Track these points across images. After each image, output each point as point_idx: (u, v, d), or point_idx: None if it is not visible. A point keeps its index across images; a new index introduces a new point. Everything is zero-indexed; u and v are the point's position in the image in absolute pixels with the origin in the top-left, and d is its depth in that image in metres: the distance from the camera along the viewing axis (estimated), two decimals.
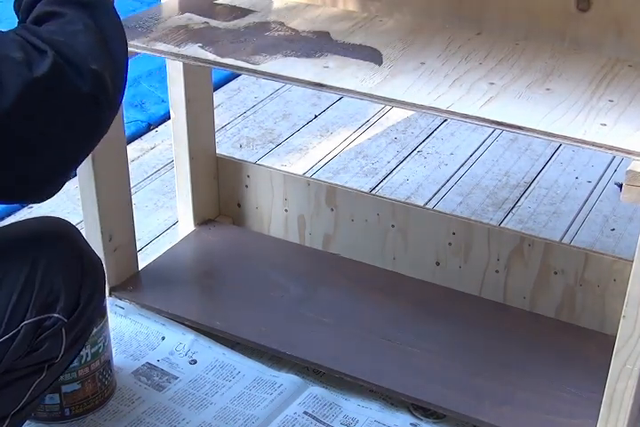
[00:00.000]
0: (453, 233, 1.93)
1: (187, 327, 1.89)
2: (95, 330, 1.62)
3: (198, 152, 2.06)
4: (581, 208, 2.42)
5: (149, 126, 2.80)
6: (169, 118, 2.07)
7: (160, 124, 2.81)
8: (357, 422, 1.71)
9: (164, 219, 2.36)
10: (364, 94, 1.45)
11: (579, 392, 1.69)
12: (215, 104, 2.21)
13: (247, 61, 1.54)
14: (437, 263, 1.98)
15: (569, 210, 2.41)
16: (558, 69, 1.53)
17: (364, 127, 2.80)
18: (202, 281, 2.01)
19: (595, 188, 2.51)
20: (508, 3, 1.64)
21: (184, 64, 1.88)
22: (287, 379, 1.78)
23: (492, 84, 1.48)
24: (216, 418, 1.70)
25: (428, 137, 2.75)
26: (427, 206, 2.35)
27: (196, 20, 1.69)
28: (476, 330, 1.84)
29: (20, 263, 1.32)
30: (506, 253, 1.89)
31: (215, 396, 1.75)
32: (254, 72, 1.53)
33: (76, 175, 1.83)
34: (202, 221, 2.14)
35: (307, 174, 2.51)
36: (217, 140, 2.14)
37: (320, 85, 1.48)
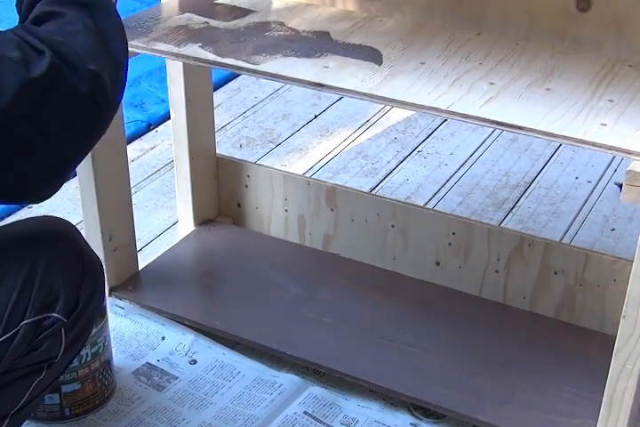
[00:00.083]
0: (453, 233, 1.93)
1: (187, 327, 1.89)
2: (95, 330, 1.63)
3: (198, 152, 2.06)
4: (581, 208, 2.42)
5: (149, 126, 2.80)
6: (169, 118, 2.07)
7: (160, 124, 2.81)
8: (357, 422, 1.71)
9: (164, 219, 2.36)
10: (364, 94, 1.45)
11: (579, 392, 1.69)
12: (215, 104, 2.21)
13: (247, 61, 1.54)
14: (437, 263, 1.98)
15: (569, 210, 2.41)
16: (558, 69, 1.53)
17: (364, 127, 2.80)
18: (202, 281, 2.01)
19: (595, 188, 2.51)
20: (507, 3, 1.64)
21: (184, 64, 1.88)
22: (287, 379, 1.78)
23: (492, 84, 1.48)
24: (216, 418, 1.70)
25: (427, 137, 2.75)
26: (427, 206, 2.35)
27: (196, 20, 1.69)
28: (475, 330, 1.84)
29: (20, 263, 1.32)
30: (506, 253, 1.89)
31: (215, 396, 1.75)
32: (254, 72, 1.53)
33: (75, 175, 1.83)
34: (202, 221, 2.14)
35: (307, 174, 2.51)
36: (217, 141, 2.14)
37: (320, 85, 1.48)
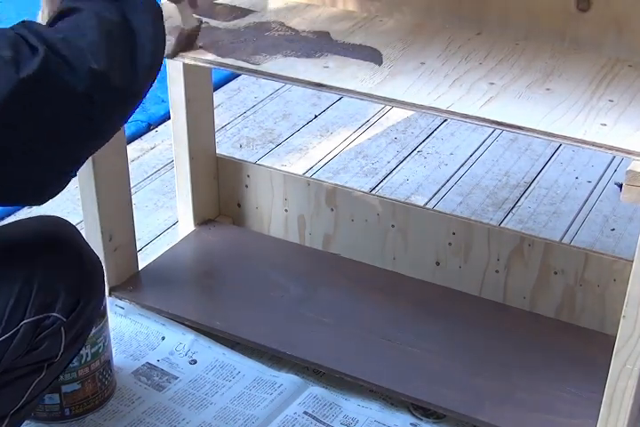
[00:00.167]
0: (453, 233, 1.93)
1: (187, 327, 1.89)
2: (95, 330, 1.62)
3: (198, 152, 2.06)
4: (581, 208, 2.42)
5: (149, 126, 2.80)
6: (169, 118, 2.07)
7: (160, 124, 2.81)
8: (357, 422, 1.71)
9: (164, 219, 2.36)
10: (364, 94, 1.45)
11: (579, 392, 1.69)
12: (215, 104, 2.21)
13: (247, 61, 1.54)
14: (437, 263, 1.98)
15: (569, 210, 2.41)
16: (558, 69, 1.53)
17: (364, 127, 2.80)
18: (202, 281, 2.01)
19: (595, 188, 2.51)
20: (507, 3, 1.64)
21: (184, 64, 1.88)
22: (287, 379, 1.78)
23: (492, 84, 1.48)
24: (216, 418, 1.70)
25: (428, 137, 2.75)
26: (427, 206, 2.35)
27: None
28: (475, 330, 1.84)
29: (20, 263, 1.32)
30: (506, 253, 1.89)
31: (215, 396, 1.75)
32: (254, 72, 1.53)
33: (76, 175, 1.83)
34: (202, 221, 2.14)
35: (307, 174, 2.51)
36: (217, 141, 2.14)
37: (320, 85, 1.48)
